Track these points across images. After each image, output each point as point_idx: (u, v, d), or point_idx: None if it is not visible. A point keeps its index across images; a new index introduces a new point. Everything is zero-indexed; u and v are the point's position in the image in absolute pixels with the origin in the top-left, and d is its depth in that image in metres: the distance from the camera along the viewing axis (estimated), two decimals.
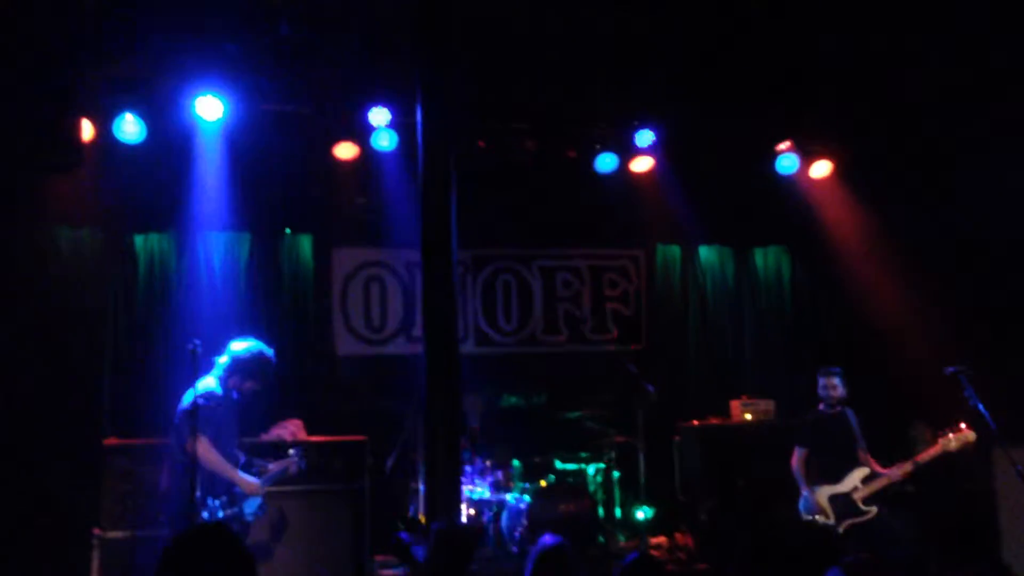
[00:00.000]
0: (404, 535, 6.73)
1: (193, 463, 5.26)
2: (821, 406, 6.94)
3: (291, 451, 5.91)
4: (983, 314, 7.82)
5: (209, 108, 7.32)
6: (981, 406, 6.32)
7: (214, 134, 7.55)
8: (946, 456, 6.40)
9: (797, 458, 6.85)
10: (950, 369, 6.45)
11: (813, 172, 8.86)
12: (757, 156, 8.73)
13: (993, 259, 7.89)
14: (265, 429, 6.93)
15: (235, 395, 5.68)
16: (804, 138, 8.69)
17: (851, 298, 8.88)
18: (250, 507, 5.56)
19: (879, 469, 6.62)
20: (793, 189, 8.90)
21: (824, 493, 6.64)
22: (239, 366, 5.65)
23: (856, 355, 8.23)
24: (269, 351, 5.78)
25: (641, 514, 7.99)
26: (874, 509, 6.50)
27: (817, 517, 6.60)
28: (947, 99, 7.39)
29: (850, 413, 6.86)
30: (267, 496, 5.70)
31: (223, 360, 5.68)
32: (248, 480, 5.59)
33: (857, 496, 6.54)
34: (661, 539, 8.11)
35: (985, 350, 7.05)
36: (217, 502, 5.44)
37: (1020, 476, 6.18)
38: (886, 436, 7.24)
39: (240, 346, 5.73)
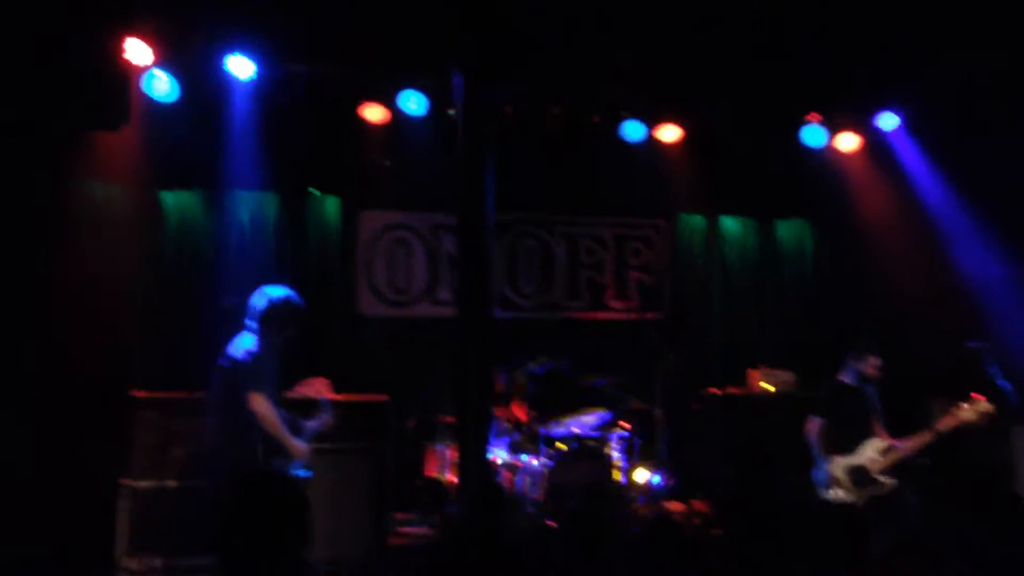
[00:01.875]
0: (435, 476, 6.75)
1: (249, 421, 5.35)
2: (846, 378, 6.92)
3: (320, 403, 5.95)
4: (1005, 290, 7.83)
5: (240, 67, 7.37)
6: (1003, 381, 6.38)
7: (245, 93, 7.58)
8: (965, 427, 6.36)
9: (814, 427, 6.83)
10: (972, 344, 6.50)
11: (840, 145, 8.84)
12: (784, 128, 8.71)
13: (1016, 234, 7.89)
14: (290, 387, 7.02)
15: (273, 348, 5.65)
16: (832, 111, 8.65)
17: (873, 273, 8.88)
18: (296, 468, 5.63)
19: (895, 442, 6.62)
20: (819, 162, 8.88)
21: (840, 464, 6.66)
22: (272, 316, 5.64)
23: (877, 329, 8.25)
24: (297, 297, 5.76)
25: (659, 480, 8.08)
26: (892, 481, 6.51)
27: (832, 489, 6.63)
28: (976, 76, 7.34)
29: (870, 388, 6.86)
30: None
31: (255, 314, 5.70)
32: (298, 444, 5.64)
33: (874, 468, 6.56)
34: (678, 505, 8.20)
35: (1006, 327, 7.08)
36: (278, 462, 5.49)
37: None
38: (905, 411, 7.27)
39: (268, 296, 5.70)
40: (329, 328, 8.27)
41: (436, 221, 8.68)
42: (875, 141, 8.76)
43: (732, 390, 8.38)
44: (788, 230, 9.62)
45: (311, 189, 8.49)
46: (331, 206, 8.59)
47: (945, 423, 6.43)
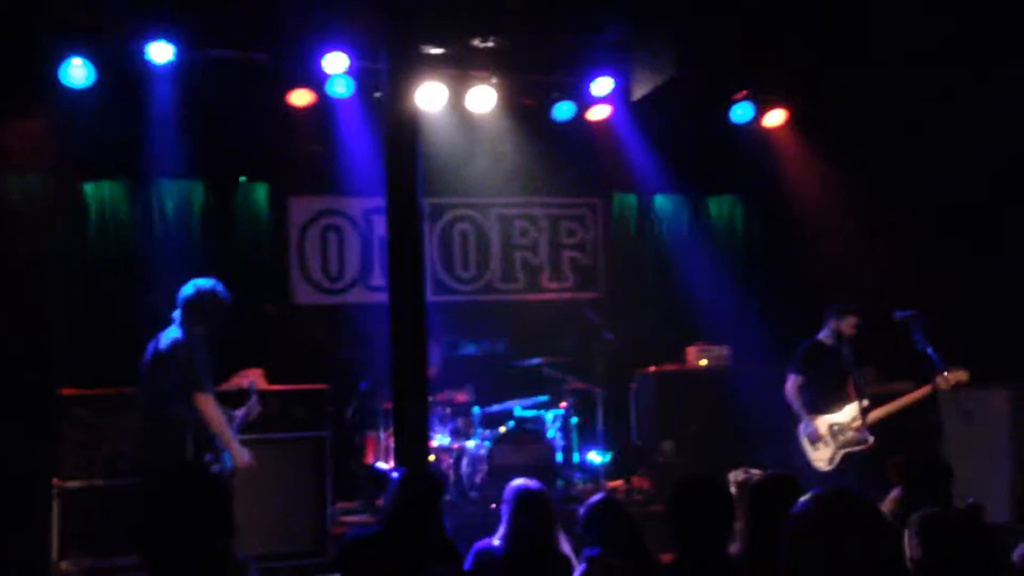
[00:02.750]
0: (377, 466, 6.78)
1: (182, 419, 5.27)
2: (824, 337, 6.97)
3: (249, 391, 5.89)
4: (931, 263, 8.01)
5: (160, 53, 7.15)
6: (930, 350, 6.53)
7: (166, 80, 7.37)
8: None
9: (792, 385, 6.93)
10: (900, 314, 6.64)
11: (767, 121, 8.92)
12: (713, 105, 8.77)
13: (942, 211, 8.06)
14: (224, 379, 6.89)
15: (201, 340, 5.53)
16: (759, 87, 8.73)
17: (803, 246, 9.02)
18: (228, 460, 5.55)
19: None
20: (748, 138, 8.96)
21: (825, 421, 6.78)
22: (198, 307, 5.51)
23: (807, 302, 8.38)
24: (221, 287, 5.64)
25: (599, 458, 8.14)
26: (872, 439, 6.65)
27: (817, 444, 6.75)
28: (907, 53, 7.45)
29: (846, 347, 6.88)
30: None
31: (182, 305, 5.56)
32: (241, 450, 5.57)
33: (856, 426, 6.67)
34: (618, 483, 8.27)
35: (932, 298, 7.23)
36: (209, 456, 5.43)
37: (965, 415, 6.42)
38: None
39: (195, 286, 5.58)
40: (263, 317, 8.14)
41: (368, 206, 8.57)
42: (802, 116, 8.85)
43: (669, 367, 8.46)
44: (720, 206, 9.72)
45: (240, 176, 8.32)
46: (260, 193, 8.44)
47: (929, 388, 6.61)
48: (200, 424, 5.40)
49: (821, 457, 6.77)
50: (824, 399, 6.82)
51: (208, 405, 5.38)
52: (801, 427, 6.86)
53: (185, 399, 5.39)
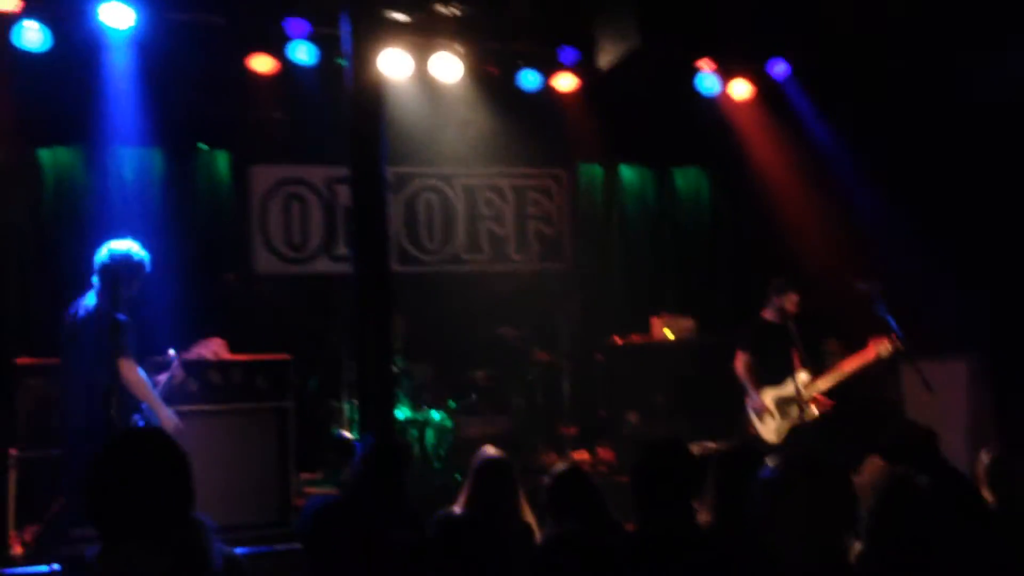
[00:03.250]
0: (342, 434, 6.74)
1: (106, 385, 5.17)
2: (768, 315, 7.09)
3: (171, 356, 5.82)
4: (894, 234, 8.07)
5: (117, 16, 6.98)
6: (892, 319, 6.59)
7: (123, 44, 7.21)
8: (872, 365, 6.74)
9: (741, 362, 7.06)
10: (862, 285, 6.69)
11: (733, 92, 8.91)
12: (679, 76, 8.74)
13: (904, 181, 8.11)
14: (186, 348, 6.80)
15: (119, 306, 5.36)
16: (725, 58, 8.71)
17: (767, 218, 9.05)
18: (157, 424, 5.49)
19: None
20: (713, 110, 8.95)
21: (770, 395, 6.93)
22: (113, 271, 5.36)
23: (771, 274, 8.42)
24: (136, 250, 5.51)
25: (564, 429, 8.14)
26: (815, 410, 6.79)
27: (764, 418, 6.91)
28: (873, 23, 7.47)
29: (790, 323, 6.96)
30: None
31: (97, 270, 5.45)
32: (170, 414, 5.50)
33: (800, 398, 6.78)
34: (583, 454, 8.29)
35: (894, 268, 7.30)
36: (137, 417, 5.37)
37: (926, 384, 6.49)
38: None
39: (109, 251, 5.43)
40: (223, 286, 8.03)
41: (331, 174, 8.47)
42: (767, 88, 8.86)
43: (635, 338, 8.47)
44: (685, 178, 9.72)
45: (199, 144, 8.17)
46: (221, 161, 8.30)
47: (860, 359, 6.73)
48: (124, 390, 5.32)
49: (769, 430, 6.92)
50: (770, 374, 6.94)
51: (131, 371, 5.29)
52: (748, 402, 7.01)
53: (106, 365, 5.27)
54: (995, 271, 7.55)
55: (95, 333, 5.32)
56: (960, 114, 7.43)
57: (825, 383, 6.80)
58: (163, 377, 5.74)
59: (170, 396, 5.76)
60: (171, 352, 5.98)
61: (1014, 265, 7.49)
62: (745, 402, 7.03)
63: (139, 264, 5.51)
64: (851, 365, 6.77)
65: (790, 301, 6.96)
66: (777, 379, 6.91)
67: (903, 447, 4.34)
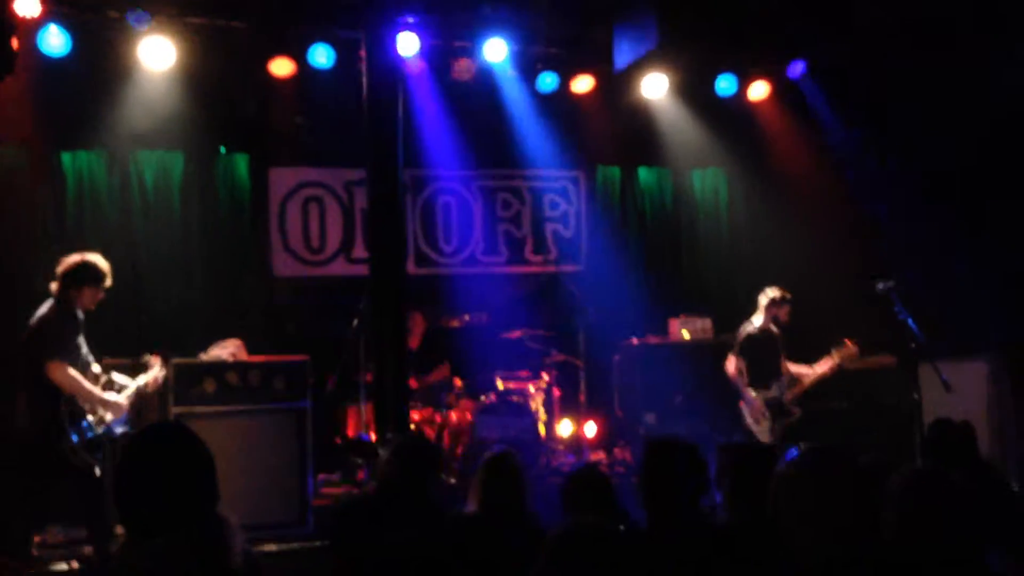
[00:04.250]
0: (364, 437, 6.76)
1: (52, 389, 5.25)
2: (759, 322, 7.40)
3: (150, 361, 5.87)
4: (913, 237, 8.03)
5: (140, 21, 7.05)
6: (911, 321, 6.55)
7: (145, 48, 7.28)
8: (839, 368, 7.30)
9: (734, 366, 7.42)
10: (880, 286, 6.66)
11: (751, 94, 8.90)
12: (697, 78, 8.72)
13: (924, 185, 8.07)
14: (204, 349, 6.85)
15: (71, 311, 5.49)
16: (744, 59, 8.69)
17: (785, 220, 9.02)
18: (117, 425, 5.55)
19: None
20: (731, 111, 8.94)
21: (761, 398, 7.34)
22: (67, 279, 5.48)
23: (789, 275, 8.40)
24: (93, 260, 5.58)
25: (582, 431, 8.15)
26: (798, 410, 7.30)
27: (756, 419, 7.30)
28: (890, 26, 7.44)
29: (779, 329, 7.49)
30: (135, 412, 5.71)
31: (54, 277, 5.53)
32: (110, 399, 5.55)
33: (786, 400, 7.31)
34: (600, 455, 8.29)
35: (913, 270, 7.26)
36: (87, 421, 5.41)
37: (945, 385, 6.44)
38: (818, 350, 7.47)
39: (65, 262, 5.55)
40: (242, 288, 8.10)
41: (349, 177, 8.52)
42: (785, 88, 8.83)
43: (652, 339, 8.46)
44: (703, 180, 9.70)
45: (222, 149, 8.23)
46: (240, 164, 8.35)
47: (827, 364, 7.28)
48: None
49: (763, 430, 7.31)
50: (763, 377, 7.35)
51: (57, 371, 5.31)
52: (743, 404, 7.39)
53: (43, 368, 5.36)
54: (1015, 271, 7.50)
55: (39, 338, 5.40)
56: (988, 113, 7.41)
57: (798, 390, 7.32)
58: (139, 380, 5.78)
59: (153, 397, 5.79)
60: (151, 356, 5.99)
61: None
62: (740, 405, 7.42)
63: (92, 272, 5.54)
64: (815, 374, 7.31)
65: (784, 312, 7.41)
66: (767, 382, 7.35)
67: (942, 443, 4.34)
